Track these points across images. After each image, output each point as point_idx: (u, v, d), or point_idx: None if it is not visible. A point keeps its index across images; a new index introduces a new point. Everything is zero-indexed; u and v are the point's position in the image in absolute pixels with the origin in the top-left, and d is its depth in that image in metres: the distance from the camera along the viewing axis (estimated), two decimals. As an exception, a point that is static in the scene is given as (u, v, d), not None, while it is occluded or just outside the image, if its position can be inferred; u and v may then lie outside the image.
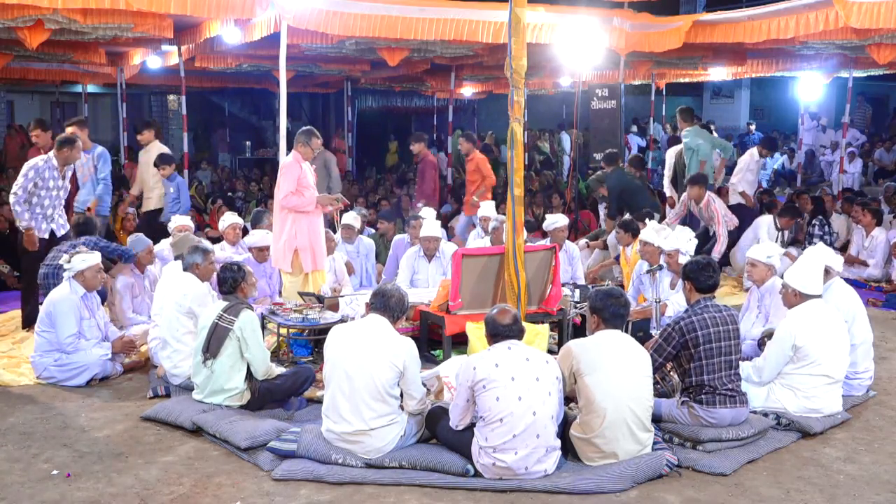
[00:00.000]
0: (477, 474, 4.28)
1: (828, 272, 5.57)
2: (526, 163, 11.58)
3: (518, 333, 4.40)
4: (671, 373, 5.12)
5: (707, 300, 4.89)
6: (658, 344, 4.82)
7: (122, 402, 5.62)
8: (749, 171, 10.51)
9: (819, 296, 5.20)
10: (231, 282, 5.31)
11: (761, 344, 5.60)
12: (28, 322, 7.17)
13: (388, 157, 20.45)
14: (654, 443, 4.52)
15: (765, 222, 10.08)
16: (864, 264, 9.68)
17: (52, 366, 5.91)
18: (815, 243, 6.99)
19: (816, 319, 5.06)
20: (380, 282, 8.32)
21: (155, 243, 7.30)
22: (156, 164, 9.02)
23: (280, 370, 5.40)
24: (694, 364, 4.74)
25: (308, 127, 7.10)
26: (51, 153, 7.18)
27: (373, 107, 23.32)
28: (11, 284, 8.78)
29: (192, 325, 5.61)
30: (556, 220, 8.16)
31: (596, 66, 12.97)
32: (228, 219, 8.05)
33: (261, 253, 7.44)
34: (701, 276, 4.91)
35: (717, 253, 8.48)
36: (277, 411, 5.21)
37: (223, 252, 7.87)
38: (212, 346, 5.11)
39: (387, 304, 4.58)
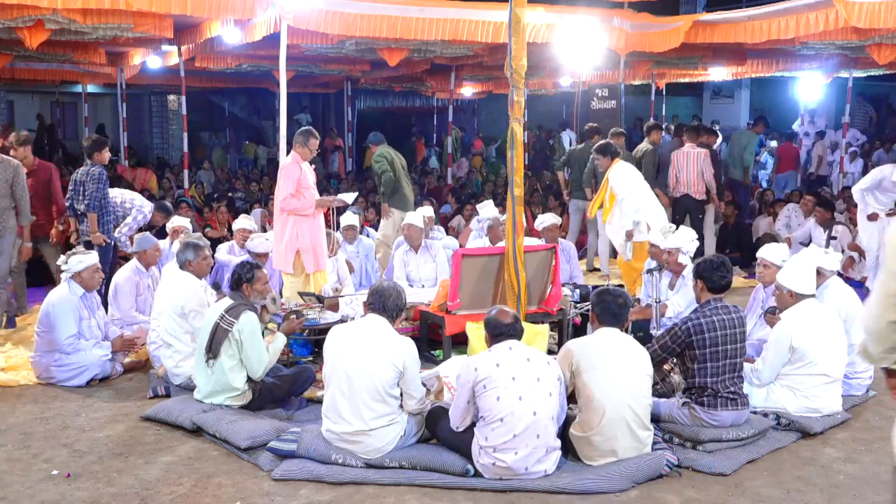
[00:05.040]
0: (477, 474, 4.27)
1: (820, 273, 5.57)
2: (526, 163, 11.53)
3: (518, 333, 4.41)
4: (672, 373, 5.11)
5: (717, 301, 4.84)
6: (664, 341, 4.80)
7: (122, 402, 5.62)
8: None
9: (813, 295, 5.20)
10: (236, 278, 5.32)
11: (767, 314, 5.57)
12: None
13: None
14: (654, 443, 4.52)
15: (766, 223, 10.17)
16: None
17: (52, 366, 5.91)
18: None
19: (812, 319, 5.06)
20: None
21: None
22: None
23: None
24: (698, 365, 4.72)
25: (306, 127, 7.10)
26: None
27: (373, 107, 23.34)
28: None
29: (190, 326, 5.62)
30: (546, 220, 8.11)
31: (596, 66, 12.97)
32: (240, 223, 8.10)
33: (259, 258, 7.45)
34: (714, 275, 4.85)
35: None
36: (277, 411, 5.21)
37: (230, 254, 7.90)
38: (213, 346, 5.11)
39: (384, 303, 4.57)
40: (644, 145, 10.35)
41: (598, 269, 10.02)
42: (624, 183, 7.88)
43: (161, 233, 8.40)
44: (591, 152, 9.85)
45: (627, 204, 7.73)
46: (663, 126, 12.15)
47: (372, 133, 9.92)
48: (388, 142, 9.83)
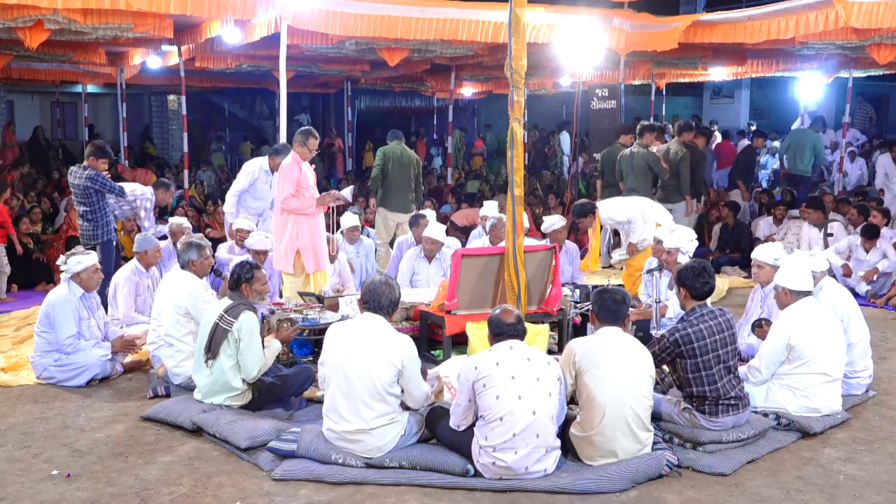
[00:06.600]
0: (477, 474, 4.27)
1: (812, 275, 5.57)
2: (526, 163, 11.56)
3: (521, 333, 4.40)
4: (670, 373, 5.11)
5: (702, 307, 4.81)
6: (653, 350, 4.75)
7: (122, 402, 5.62)
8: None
9: (810, 293, 5.20)
10: (235, 278, 5.31)
11: (755, 327, 5.59)
12: None
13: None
14: (654, 443, 4.52)
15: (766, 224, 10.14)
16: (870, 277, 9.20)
17: (51, 366, 5.91)
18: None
19: (810, 318, 5.06)
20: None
21: None
22: None
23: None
24: (692, 375, 4.69)
25: (306, 127, 7.10)
26: None
27: (373, 107, 23.34)
28: None
29: (193, 326, 5.62)
30: (554, 223, 8.04)
31: (596, 66, 13.00)
32: (239, 223, 8.10)
33: (258, 255, 7.44)
34: (696, 282, 4.84)
35: None
36: (277, 411, 5.21)
37: (230, 253, 7.89)
38: (212, 346, 5.11)
39: (379, 301, 4.56)
40: (676, 147, 9.86)
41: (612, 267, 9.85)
42: (621, 212, 7.81)
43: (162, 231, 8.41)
44: (618, 151, 9.99)
45: (637, 224, 7.69)
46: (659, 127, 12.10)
47: (391, 130, 10.14)
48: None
